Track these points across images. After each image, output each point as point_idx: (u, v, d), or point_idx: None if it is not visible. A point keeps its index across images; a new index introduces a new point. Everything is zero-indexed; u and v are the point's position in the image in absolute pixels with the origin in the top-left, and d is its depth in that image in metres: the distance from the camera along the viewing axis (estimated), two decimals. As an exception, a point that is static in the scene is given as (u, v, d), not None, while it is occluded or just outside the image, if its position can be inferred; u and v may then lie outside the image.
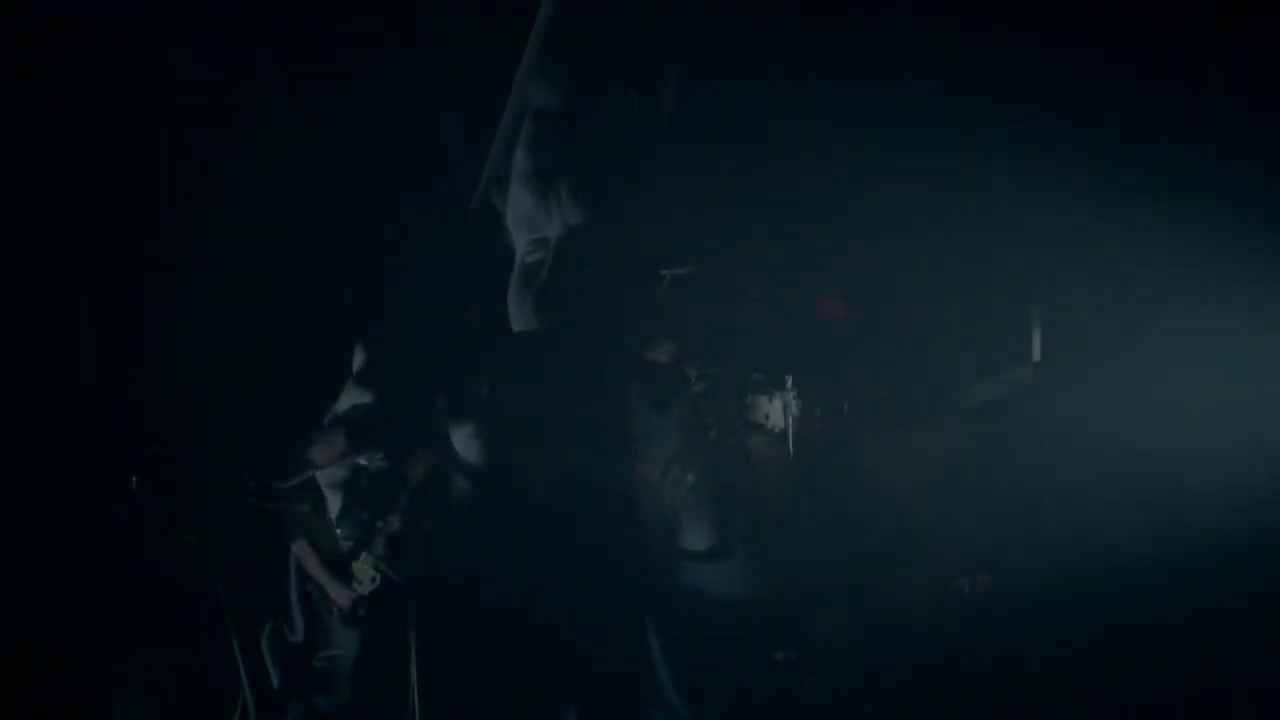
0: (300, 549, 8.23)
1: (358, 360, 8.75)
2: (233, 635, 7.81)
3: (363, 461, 8.13)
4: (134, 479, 8.10)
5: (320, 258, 9.12)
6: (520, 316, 9.34)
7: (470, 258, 9.47)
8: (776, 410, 9.27)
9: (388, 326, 8.95)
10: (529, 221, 9.41)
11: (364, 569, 8.16)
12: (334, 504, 8.17)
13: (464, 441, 8.82)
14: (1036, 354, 9.19)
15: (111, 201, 8.59)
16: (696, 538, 8.90)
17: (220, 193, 8.78)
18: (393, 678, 7.85)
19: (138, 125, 8.56)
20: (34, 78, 8.31)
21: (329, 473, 8.16)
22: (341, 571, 8.17)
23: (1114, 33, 8.67)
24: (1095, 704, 7.79)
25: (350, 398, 8.59)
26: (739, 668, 8.26)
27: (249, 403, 8.57)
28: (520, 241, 9.41)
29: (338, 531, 8.19)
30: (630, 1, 9.14)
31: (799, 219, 9.51)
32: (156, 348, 8.61)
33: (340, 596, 8.15)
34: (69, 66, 8.37)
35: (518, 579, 8.37)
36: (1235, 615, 7.83)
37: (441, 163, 9.42)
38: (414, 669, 7.75)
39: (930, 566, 8.48)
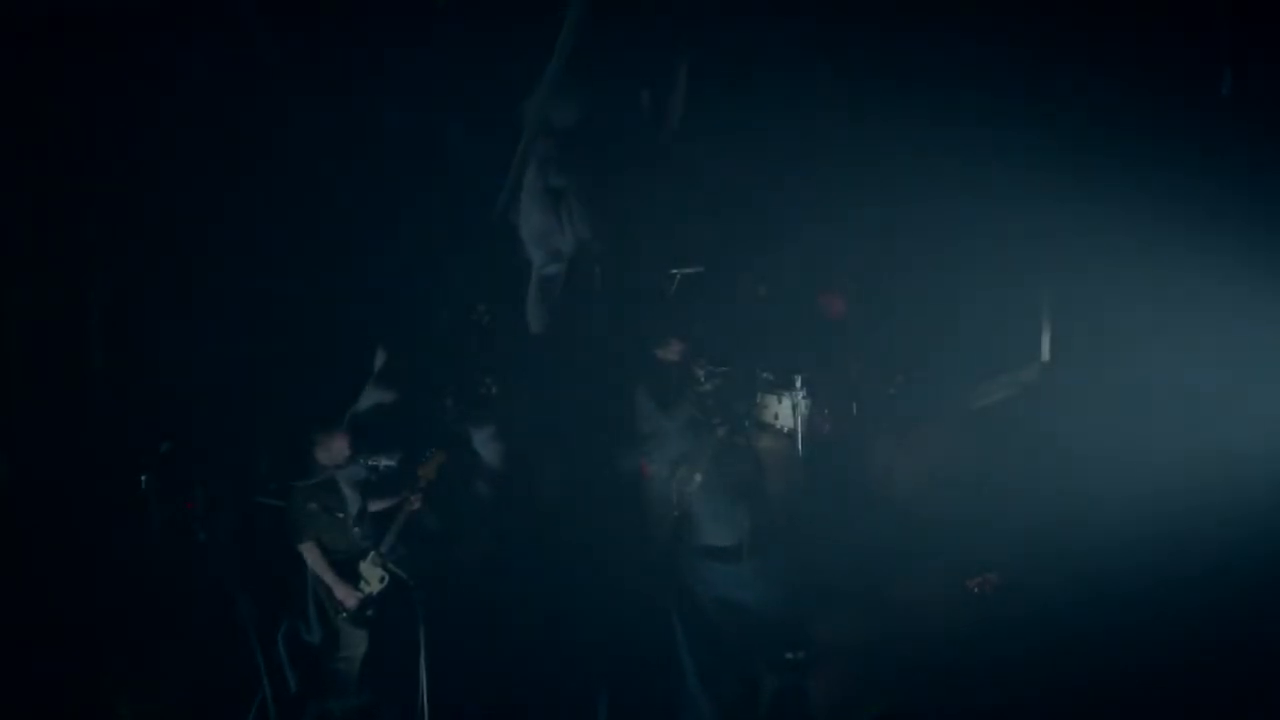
0: (307, 549, 8.18)
1: (379, 361, 8.80)
2: (252, 635, 7.76)
3: (371, 463, 8.09)
4: (143, 478, 8.08)
5: (332, 261, 9.13)
6: (539, 327, 9.58)
7: (482, 262, 9.52)
8: (786, 410, 9.29)
9: (400, 329, 8.98)
10: (542, 236, 9.65)
11: (372, 569, 8.13)
12: (352, 502, 8.14)
13: (474, 441, 8.86)
14: (1045, 353, 9.25)
15: (124, 203, 8.56)
16: (705, 536, 8.92)
17: (234, 197, 8.77)
18: (402, 679, 7.82)
19: (154, 128, 8.54)
20: (48, 81, 8.28)
21: (345, 471, 8.13)
22: (349, 572, 8.14)
23: (1124, 38, 8.69)
24: (1103, 701, 7.77)
25: (370, 397, 8.64)
26: (753, 662, 8.24)
27: (261, 403, 8.56)
28: (535, 255, 9.65)
29: (345, 531, 8.17)
30: (642, 4, 9.19)
31: (808, 219, 9.55)
32: (167, 348, 8.59)
33: (348, 597, 8.11)
34: (84, 71, 8.34)
35: (529, 577, 8.39)
36: (1242, 614, 7.83)
37: (454, 170, 9.46)
38: (424, 669, 7.72)
39: (939, 566, 8.50)
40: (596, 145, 9.40)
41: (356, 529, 8.10)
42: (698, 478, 9.00)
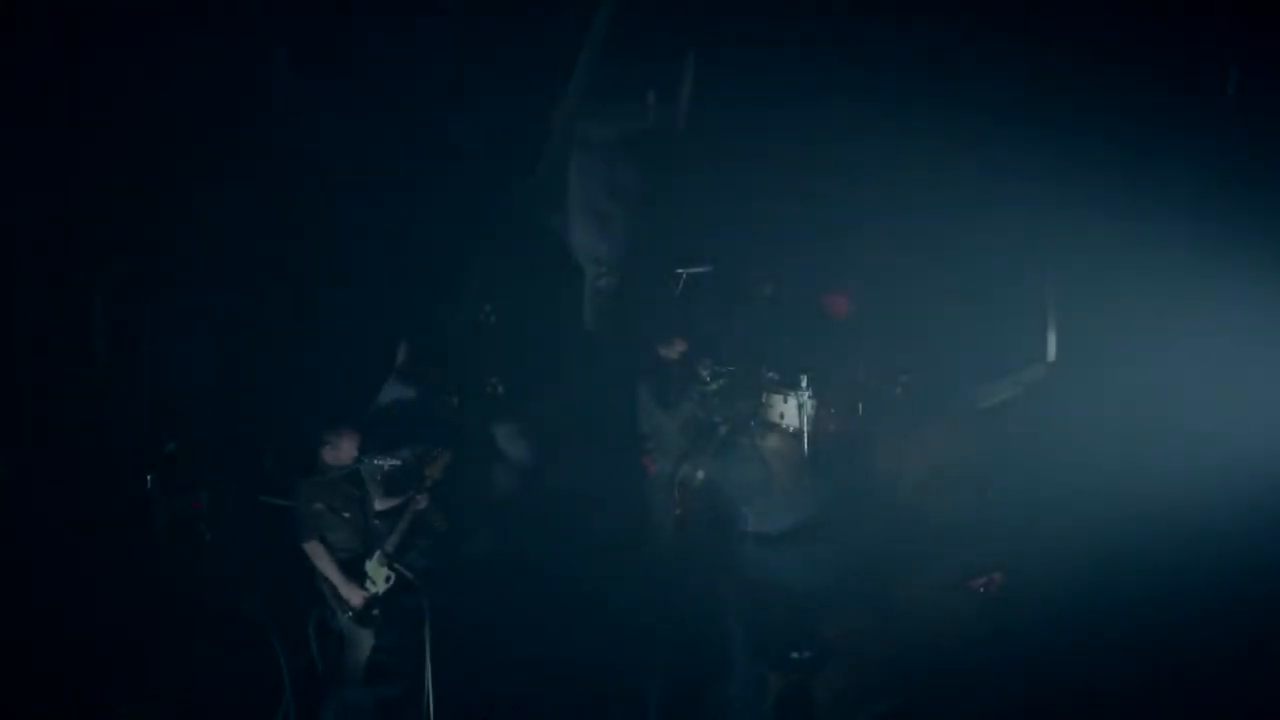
0: (312, 549, 8.13)
1: (400, 356, 8.80)
2: (275, 637, 7.75)
3: (378, 462, 8.07)
4: (149, 478, 8.05)
5: (337, 263, 9.14)
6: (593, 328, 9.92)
7: (487, 260, 9.56)
8: (791, 409, 9.32)
9: (406, 330, 9.00)
10: (592, 253, 9.91)
11: (378, 568, 8.10)
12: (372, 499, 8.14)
13: (480, 439, 8.89)
14: (1051, 354, 9.29)
15: (131, 203, 8.55)
16: (702, 535, 8.95)
17: (241, 197, 8.77)
18: (410, 677, 7.80)
19: (159, 127, 8.53)
20: (53, 81, 8.26)
21: (359, 469, 8.12)
22: (355, 571, 8.11)
23: (1130, 38, 8.71)
24: (1106, 700, 7.77)
25: (392, 392, 8.63)
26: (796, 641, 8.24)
27: (266, 403, 8.55)
28: (588, 267, 9.98)
29: (351, 530, 8.15)
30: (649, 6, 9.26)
31: (815, 220, 9.58)
32: (173, 347, 8.58)
33: (353, 596, 8.07)
34: (91, 71, 8.32)
35: (534, 573, 8.40)
36: (1247, 613, 7.84)
37: (460, 165, 9.48)
38: (429, 668, 7.69)
39: (945, 565, 8.51)
40: (632, 163, 9.57)
41: (377, 521, 8.09)
42: (700, 475, 9.02)
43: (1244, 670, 7.63)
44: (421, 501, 8.12)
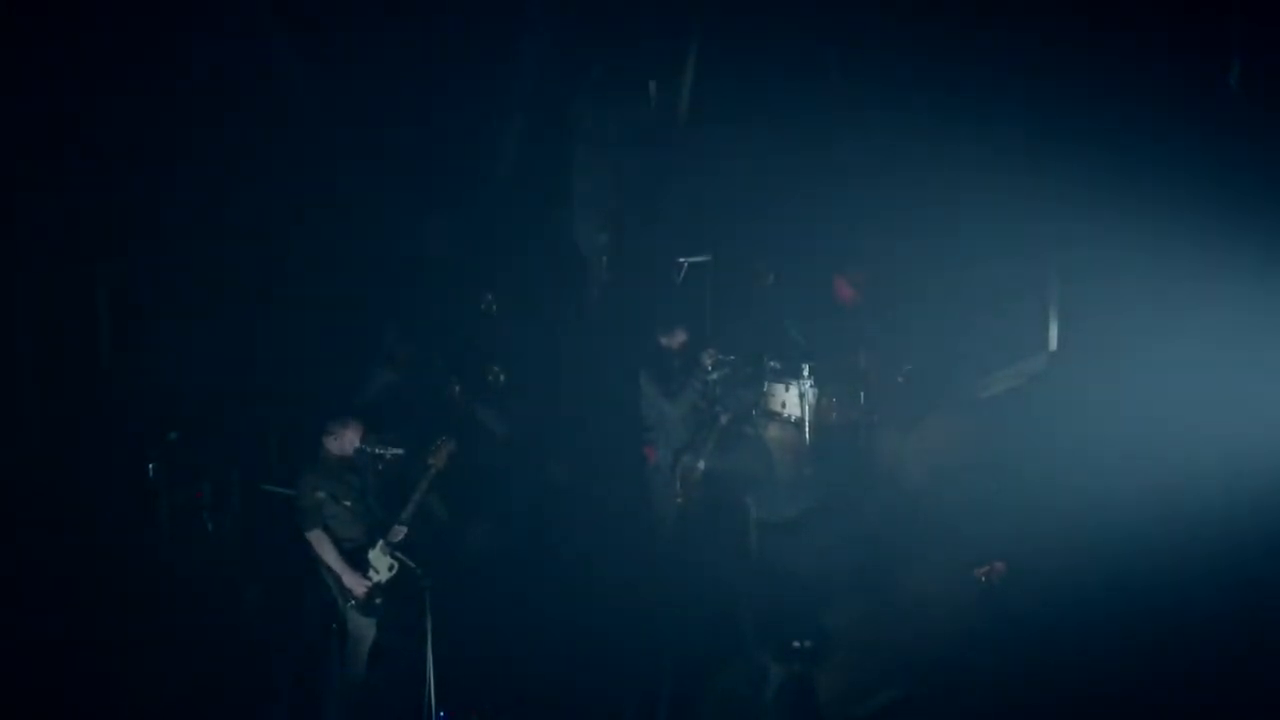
0: (315, 537, 8.14)
1: (388, 352, 8.80)
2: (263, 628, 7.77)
3: (380, 451, 8.08)
4: (151, 467, 8.06)
5: (338, 250, 9.14)
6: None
7: (486, 248, 9.55)
8: (793, 399, 9.33)
9: (409, 320, 9.00)
10: (591, 238, 10.11)
11: (381, 558, 8.11)
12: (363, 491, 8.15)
13: (481, 428, 8.91)
14: (1052, 343, 9.29)
15: (134, 194, 8.55)
16: (704, 525, 8.96)
17: (245, 188, 8.77)
18: (413, 664, 7.83)
19: (163, 118, 8.53)
20: (56, 78, 8.26)
21: (358, 460, 8.14)
22: (358, 560, 8.13)
23: (1134, 30, 8.71)
24: (1107, 690, 7.79)
25: (380, 386, 8.64)
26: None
27: (269, 392, 8.56)
28: (588, 255, 10.08)
29: (354, 519, 8.17)
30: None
31: (817, 209, 9.57)
32: (177, 338, 8.59)
33: (357, 585, 8.09)
34: (93, 67, 8.31)
35: (531, 563, 8.42)
36: (1249, 607, 7.86)
37: (461, 155, 9.48)
38: (430, 655, 7.72)
39: (947, 555, 8.51)
40: (631, 146, 9.58)
41: (380, 510, 8.12)
42: (701, 465, 9.02)
43: (1248, 665, 7.64)
44: (424, 490, 8.14)
